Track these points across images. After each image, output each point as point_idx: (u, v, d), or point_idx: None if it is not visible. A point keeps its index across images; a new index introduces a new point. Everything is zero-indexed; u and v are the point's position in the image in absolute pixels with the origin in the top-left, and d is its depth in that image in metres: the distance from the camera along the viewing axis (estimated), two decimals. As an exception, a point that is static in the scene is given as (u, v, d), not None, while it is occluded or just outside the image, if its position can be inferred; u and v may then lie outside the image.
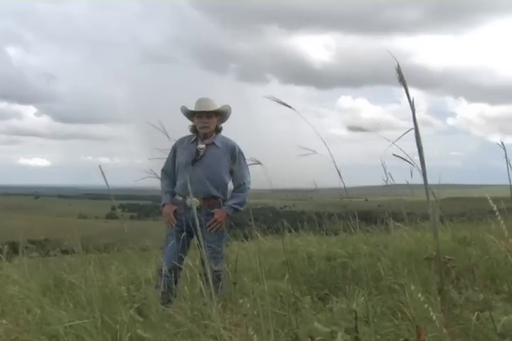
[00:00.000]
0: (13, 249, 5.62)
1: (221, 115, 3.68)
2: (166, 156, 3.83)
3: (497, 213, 1.74)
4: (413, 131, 1.26)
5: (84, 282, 3.34)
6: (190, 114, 3.66)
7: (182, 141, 3.75)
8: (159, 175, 3.79)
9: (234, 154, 3.65)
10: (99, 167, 2.44)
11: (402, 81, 1.20)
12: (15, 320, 2.89)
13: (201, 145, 3.60)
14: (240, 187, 3.66)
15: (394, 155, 1.71)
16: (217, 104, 3.64)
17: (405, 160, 1.66)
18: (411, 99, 1.22)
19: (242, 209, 3.64)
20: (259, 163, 2.39)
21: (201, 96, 3.70)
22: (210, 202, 3.56)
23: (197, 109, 3.60)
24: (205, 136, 3.65)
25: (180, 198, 3.62)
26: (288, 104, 2.12)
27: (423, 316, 2.10)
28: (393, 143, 1.71)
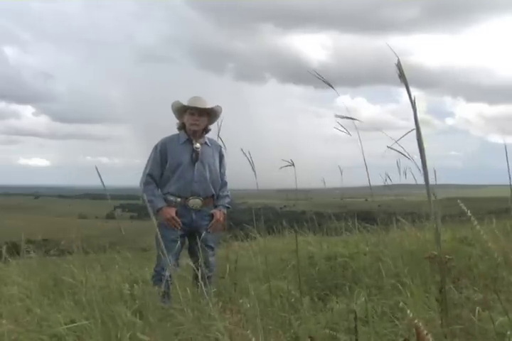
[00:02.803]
0: (13, 249, 5.62)
1: (212, 115, 3.64)
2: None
3: None
4: (415, 131, 1.24)
5: (85, 282, 3.33)
6: (182, 110, 3.60)
7: (171, 140, 3.64)
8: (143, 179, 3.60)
9: (221, 153, 3.71)
10: (96, 168, 2.44)
11: (402, 77, 1.17)
12: (15, 320, 2.89)
13: (197, 145, 3.58)
14: (226, 185, 3.74)
15: (389, 147, 1.70)
16: (210, 104, 3.60)
17: (405, 156, 1.65)
18: (412, 96, 1.18)
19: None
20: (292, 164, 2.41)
21: (195, 95, 3.65)
22: (208, 202, 3.59)
23: (191, 104, 3.55)
24: (197, 136, 3.60)
25: (179, 199, 3.54)
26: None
27: (423, 316, 2.09)
28: (396, 141, 1.70)
